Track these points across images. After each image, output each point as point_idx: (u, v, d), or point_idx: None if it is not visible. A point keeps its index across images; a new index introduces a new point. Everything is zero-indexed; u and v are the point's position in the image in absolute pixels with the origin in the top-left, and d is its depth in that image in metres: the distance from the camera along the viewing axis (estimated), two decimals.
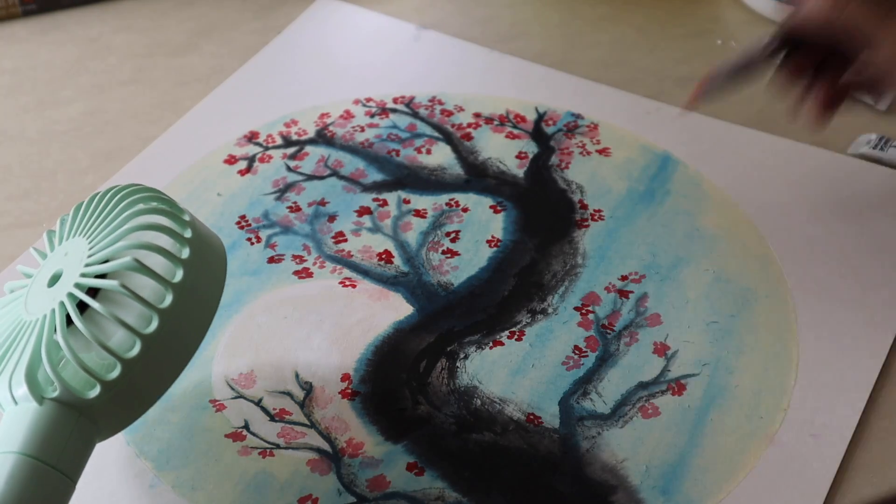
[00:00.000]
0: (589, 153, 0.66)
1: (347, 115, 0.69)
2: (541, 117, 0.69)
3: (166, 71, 0.74)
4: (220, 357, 0.54)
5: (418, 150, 0.66)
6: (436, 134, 0.68)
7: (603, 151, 0.66)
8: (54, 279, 0.45)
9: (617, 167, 0.65)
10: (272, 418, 0.52)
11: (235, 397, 0.53)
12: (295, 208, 0.63)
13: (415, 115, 0.69)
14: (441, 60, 0.75)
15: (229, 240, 0.60)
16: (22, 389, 0.42)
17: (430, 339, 0.55)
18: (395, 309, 0.57)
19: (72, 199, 0.64)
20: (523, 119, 0.69)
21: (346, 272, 0.59)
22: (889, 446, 0.51)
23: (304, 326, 0.56)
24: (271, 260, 0.60)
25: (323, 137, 0.68)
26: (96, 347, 0.42)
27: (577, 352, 0.54)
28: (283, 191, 0.64)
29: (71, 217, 0.48)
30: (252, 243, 0.60)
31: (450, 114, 0.69)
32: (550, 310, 0.57)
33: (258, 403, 0.52)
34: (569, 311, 0.56)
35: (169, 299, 0.43)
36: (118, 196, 0.47)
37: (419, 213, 0.62)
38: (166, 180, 0.64)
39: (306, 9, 0.79)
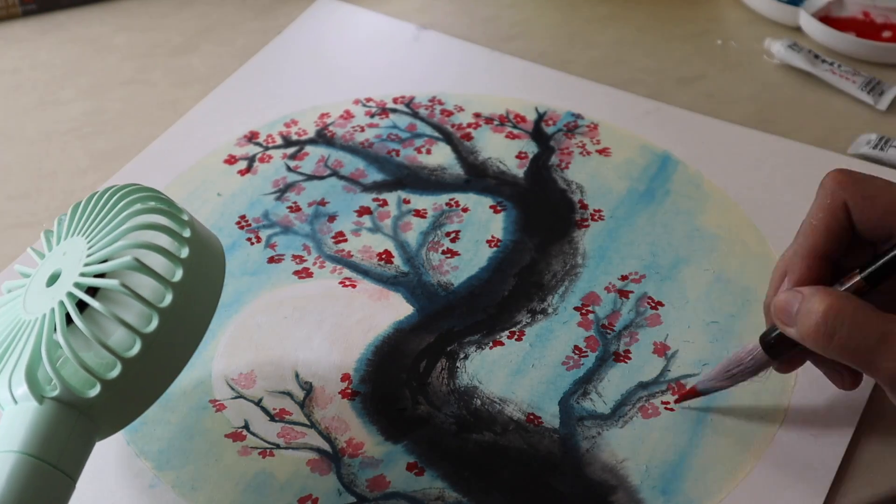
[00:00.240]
0: (589, 153, 0.66)
1: (347, 115, 0.69)
2: (541, 117, 0.69)
3: (166, 71, 0.74)
4: (220, 357, 0.54)
5: (418, 150, 0.66)
6: (436, 134, 0.68)
7: (603, 151, 0.66)
8: (53, 279, 0.45)
9: (617, 167, 0.65)
10: (272, 418, 0.52)
11: (235, 397, 0.53)
12: (295, 208, 0.63)
13: (415, 115, 0.69)
14: (441, 60, 0.75)
15: (229, 240, 0.60)
16: (22, 388, 0.42)
17: (430, 339, 0.55)
18: (395, 309, 0.57)
19: (72, 199, 0.64)
20: (523, 119, 0.69)
21: (346, 272, 0.59)
22: (889, 446, 0.51)
23: (304, 326, 0.56)
24: (271, 260, 0.60)
25: (323, 137, 0.68)
26: (96, 346, 0.42)
27: (577, 352, 0.54)
28: (283, 191, 0.64)
29: (69, 217, 0.48)
30: (252, 243, 0.60)
31: (450, 114, 0.69)
32: (550, 310, 0.57)
33: (258, 403, 0.52)
34: (569, 311, 0.56)
35: (169, 298, 0.43)
36: (117, 196, 0.47)
37: (419, 213, 0.62)
38: (166, 180, 0.64)
39: (306, 9, 0.79)
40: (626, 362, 0.54)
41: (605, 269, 0.59)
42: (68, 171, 0.66)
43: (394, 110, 0.70)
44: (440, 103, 0.70)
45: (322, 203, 0.63)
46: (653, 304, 0.57)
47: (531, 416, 0.51)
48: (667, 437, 0.51)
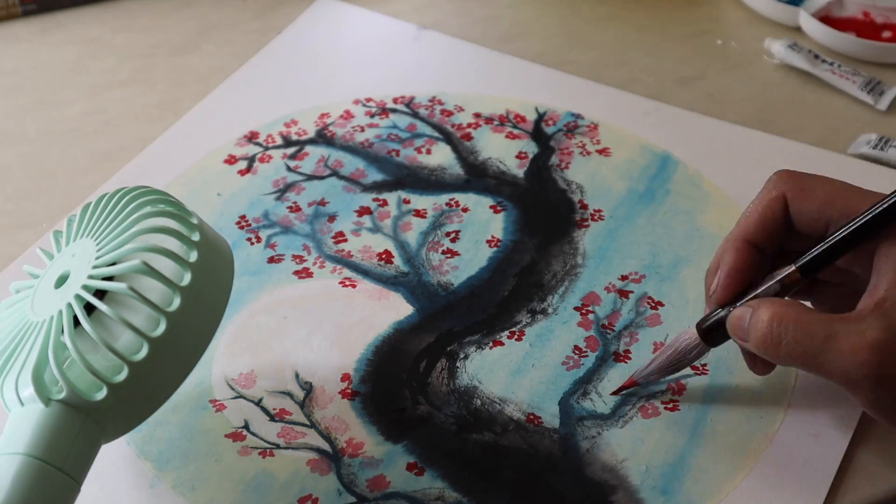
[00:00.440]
0: (589, 153, 0.66)
1: (347, 115, 0.69)
2: (541, 117, 0.69)
3: (166, 71, 0.74)
4: (220, 357, 0.54)
5: (418, 150, 0.66)
6: (436, 134, 0.68)
7: (603, 151, 0.66)
8: (61, 280, 0.45)
9: (617, 167, 0.65)
10: (272, 418, 0.52)
11: (235, 397, 0.53)
12: (295, 208, 0.63)
13: (415, 115, 0.69)
14: (441, 60, 0.75)
15: (229, 240, 0.60)
16: (28, 391, 0.42)
17: (430, 339, 0.55)
18: (395, 309, 0.57)
19: (72, 199, 0.64)
20: (523, 119, 0.69)
21: (346, 272, 0.59)
22: (889, 446, 0.51)
23: (304, 326, 0.56)
24: (271, 260, 0.60)
25: (323, 137, 0.68)
26: (103, 350, 0.42)
27: (577, 352, 0.54)
28: (283, 191, 0.64)
29: (78, 218, 0.48)
30: (252, 243, 0.60)
31: (450, 114, 0.69)
32: (550, 310, 0.57)
33: (258, 403, 0.52)
34: (569, 311, 0.56)
35: (177, 302, 0.43)
36: (126, 198, 0.47)
37: (419, 213, 0.62)
38: (166, 180, 0.64)
39: (306, 9, 0.79)
40: (626, 362, 0.54)
41: (605, 269, 0.59)
42: (68, 171, 0.66)
43: (394, 110, 0.70)
44: (440, 103, 0.70)
45: (322, 203, 0.63)
46: (653, 304, 0.57)
47: (531, 416, 0.51)
48: (667, 437, 0.51)
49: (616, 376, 0.53)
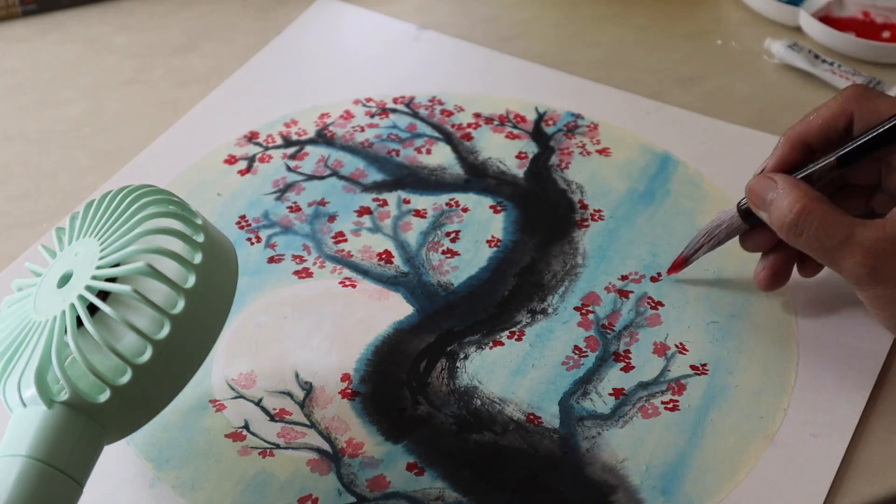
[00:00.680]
0: (589, 153, 0.66)
1: (347, 115, 0.69)
2: (541, 117, 0.69)
3: (166, 71, 0.74)
4: (220, 357, 0.54)
5: (418, 150, 0.66)
6: (436, 134, 0.68)
7: (603, 151, 0.66)
8: (64, 280, 0.45)
9: (617, 167, 0.65)
10: (272, 418, 0.52)
11: (235, 397, 0.53)
12: (295, 208, 0.63)
13: (415, 115, 0.69)
14: (441, 60, 0.75)
15: None
16: (31, 392, 0.42)
17: (430, 339, 0.55)
18: (395, 309, 0.57)
19: (72, 199, 0.64)
20: (523, 119, 0.69)
21: (346, 272, 0.59)
22: (889, 446, 0.51)
23: (304, 326, 0.56)
24: (271, 260, 0.60)
25: (323, 137, 0.68)
26: (107, 351, 0.42)
27: (577, 352, 0.54)
28: (283, 191, 0.64)
29: (81, 215, 0.47)
30: (252, 243, 0.60)
31: (450, 114, 0.69)
32: (550, 310, 0.57)
33: (258, 403, 0.52)
34: (569, 311, 0.56)
35: (181, 305, 0.43)
36: (130, 197, 0.46)
37: (419, 213, 0.62)
38: (166, 180, 0.64)
39: (306, 9, 0.79)
40: (626, 362, 0.54)
41: (605, 269, 0.59)
42: (68, 171, 0.66)
43: (394, 110, 0.70)
44: (440, 103, 0.70)
45: (322, 203, 0.63)
46: (653, 304, 0.57)
47: (531, 416, 0.51)
48: (667, 437, 0.51)
49: (616, 376, 0.53)
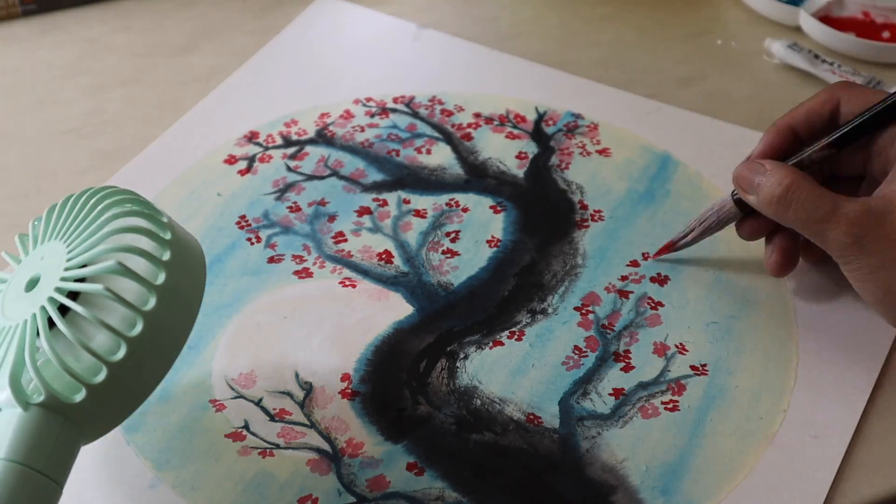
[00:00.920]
0: (589, 153, 0.66)
1: (347, 115, 0.69)
2: (541, 117, 0.69)
3: (166, 71, 0.74)
4: (220, 357, 0.54)
5: (418, 150, 0.66)
6: (436, 134, 0.68)
7: (603, 152, 0.66)
8: (32, 284, 0.45)
9: (617, 167, 0.65)
10: (272, 418, 0.52)
11: (235, 397, 0.53)
12: (295, 208, 0.63)
13: (415, 115, 0.69)
14: (441, 60, 0.75)
15: (229, 240, 0.60)
16: (5, 395, 0.42)
17: (430, 339, 0.55)
18: (395, 309, 0.57)
19: None
20: (523, 119, 0.69)
21: (346, 272, 0.59)
22: (889, 446, 0.51)
23: (304, 326, 0.56)
24: (271, 260, 0.60)
25: (323, 137, 0.68)
26: (79, 351, 0.42)
27: (577, 352, 0.54)
28: (283, 191, 0.64)
29: (44, 220, 0.47)
30: (252, 243, 0.60)
31: (450, 114, 0.69)
32: (550, 310, 0.57)
33: (258, 403, 0.52)
34: (569, 311, 0.56)
35: (152, 302, 0.43)
36: (95, 198, 0.46)
37: (419, 213, 0.62)
38: (166, 180, 0.64)
39: (306, 9, 0.79)
40: (626, 362, 0.54)
41: (605, 270, 0.59)
42: (68, 171, 0.66)
43: (394, 110, 0.70)
44: (440, 103, 0.70)
45: (322, 203, 0.63)
46: (653, 305, 0.57)
47: (531, 416, 0.51)
48: (667, 437, 0.51)
49: (616, 376, 0.53)
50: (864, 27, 0.77)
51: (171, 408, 0.52)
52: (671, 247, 0.59)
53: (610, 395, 0.52)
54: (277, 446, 0.50)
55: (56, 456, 0.42)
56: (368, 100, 0.71)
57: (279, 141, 0.67)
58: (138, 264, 0.44)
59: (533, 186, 0.64)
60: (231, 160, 0.66)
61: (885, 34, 0.76)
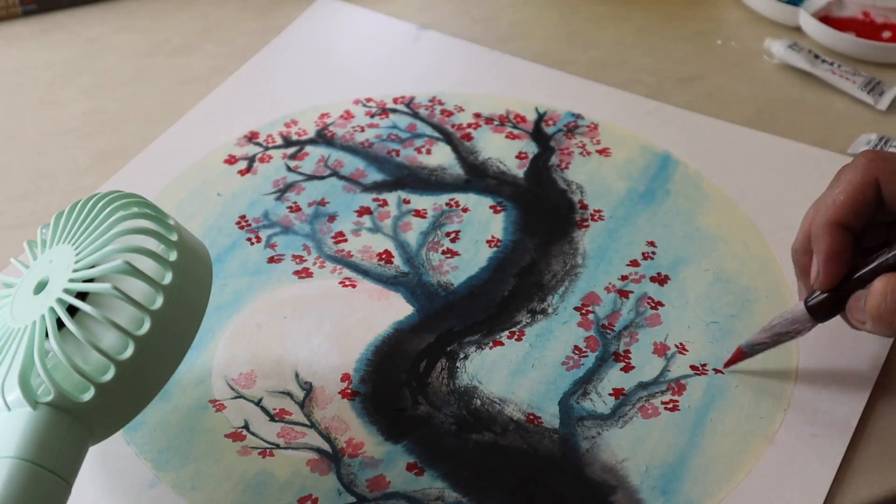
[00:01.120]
0: (589, 153, 0.66)
1: (347, 115, 0.69)
2: (541, 117, 0.69)
3: (166, 71, 0.74)
4: (220, 357, 0.54)
5: (418, 150, 0.66)
6: (436, 134, 0.68)
7: (603, 151, 0.66)
8: (41, 286, 0.45)
9: (617, 167, 0.65)
10: (272, 418, 0.52)
11: (235, 397, 0.53)
12: (295, 208, 0.63)
13: (415, 115, 0.69)
14: (441, 60, 0.75)
15: (229, 240, 0.60)
16: (15, 394, 0.42)
17: (430, 339, 0.55)
18: (395, 309, 0.57)
19: (72, 199, 0.63)
20: (523, 119, 0.69)
21: (346, 272, 0.59)
22: (889, 446, 0.51)
23: (304, 326, 0.56)
24: (271, 260, 0.60)
25: (323, 137, 0.68)
26: (88, 351, 0.43)
27: (577, 352, 0.54)
28: (283, 191, 0.64)
29: (52, 226, 0.48)
30: (252, 243, 0.60)
31: (450, 114, 0.69)
32: (550, 310, 0.57)
33: (258, 403, 0.52)
34: (569, 311, 0.56)
35: (160, 301, 0.44)
36: (102, 202, 0.47)
37: (419, 213, 0.62)
38: (166, 180, 0.64)
39: (306, 9, 0.79)
40: (625, 362, 0.54)
41: (605, 270, 0.59)
42: (68, 171, 0.66)
43: (394, 110, 0.70)
44: (440, 103, 0.70)
45: (322, 203, 0.63)
46: (653, 305, 0.57)
47: (531, 416, 0.51)
48: (667, 437, 0.51)
49: (616, 376, 0.53)
50: (864, 27, 0.77)
51: (171, 408, 0.52)
52: (741, 356, 0.53)
53: (610, 395, 0.52)
54: (277, 446, 0.50)
55: (65, 454, 0.42)
56: (368, 100, 0.71)
57: (279, 141, 0.67)
58: (146, 264, 0.44)
59: (533, 186, 0.64)
60: (231, 160, 0.66)
61: (886, 34, 0.76)
